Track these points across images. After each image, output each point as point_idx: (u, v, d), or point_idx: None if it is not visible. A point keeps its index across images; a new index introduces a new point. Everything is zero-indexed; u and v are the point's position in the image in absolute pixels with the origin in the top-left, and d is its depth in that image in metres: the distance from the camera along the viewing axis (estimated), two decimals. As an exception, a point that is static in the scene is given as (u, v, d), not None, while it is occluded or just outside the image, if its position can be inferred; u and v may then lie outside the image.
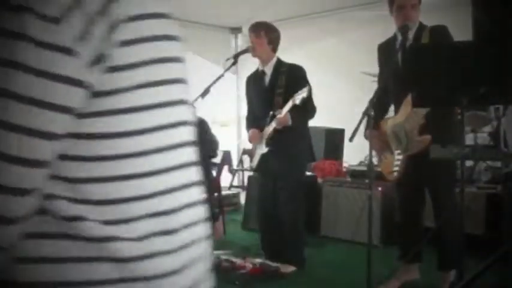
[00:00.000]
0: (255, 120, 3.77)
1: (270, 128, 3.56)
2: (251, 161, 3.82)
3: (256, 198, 4.17)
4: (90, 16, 0.55)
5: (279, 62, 3.70)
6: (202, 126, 4.47)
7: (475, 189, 4.14)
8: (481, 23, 3.75)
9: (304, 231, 3.76)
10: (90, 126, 0.58)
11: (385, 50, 3.22)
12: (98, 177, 0.59)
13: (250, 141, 3.81)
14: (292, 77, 3.56)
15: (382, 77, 3.21)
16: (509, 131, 4.29)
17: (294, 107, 3.38)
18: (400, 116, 3.07)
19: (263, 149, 3.63)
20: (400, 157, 3.06)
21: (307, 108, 3.54)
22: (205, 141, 4.39)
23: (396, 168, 3.09)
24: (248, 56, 3.71)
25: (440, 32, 2.97)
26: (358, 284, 3.10)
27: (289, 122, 3.46)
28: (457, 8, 4.85)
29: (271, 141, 3.58)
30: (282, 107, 3.46)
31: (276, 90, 3.59)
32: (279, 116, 3.42)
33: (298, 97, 3.33)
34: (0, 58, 0.53)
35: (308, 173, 5.32)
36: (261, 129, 3.67)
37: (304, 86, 3.47)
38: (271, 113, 3.57)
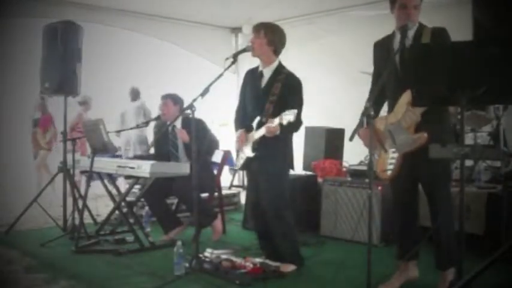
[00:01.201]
0: (245, 117, 3.76)
1: (257, 134, 3.56)
2: (237, 159, 3.82)
3: (248, 198, 4.17)
4: None
5: (280, 67, 3.65)
6: (200, 126, 4.47)
7: (475, 189, 4.14)
8: (481, 23, 3.76)
9: (296, 230, 3.74)
10: None
11: (382, 48, 3.21)
12: None
13: (237, 142, 3.81)
14: (288, 88, 3.54)
15: (378, 75, 3.20)
16: (509, 130, 4.29)
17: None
18: (396, 114, 3.07)
19: (249, 153, 3.64)
20: (395, 155, 3.06)
21: (295, 123, 3.50)
22: (204, 140, 4.40)
23: (390, 167, 3.09)
24: (248, 55, 3.69)
25: (440, 33, 2.97)
26: (358, 283, 3.10)
27: (278, 132, 3.43)
28: (457, 7, 4.86)
29: (257, 146, 3.59)
30: (271, 115, 3.47)
31: (269, 97, 3.58)
32: (270, 124, 3.40)
33: (286, 117, 3.32)
34: None
35: (308, 173, 5.34)
36: (248, 129, 3.68)
37: (296, 100, 3.50)
38: (258, 118, 3.58)
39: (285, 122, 3.33)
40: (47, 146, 7.47)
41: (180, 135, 4.70)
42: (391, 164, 3.08)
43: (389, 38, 3.16)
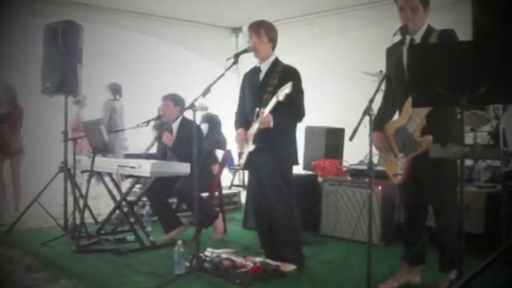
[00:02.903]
0: (245, 116, 3.79)
1: (254, 127, 3.59)
2: (239, 159, 3.83)
3: (249, 197, 4.18)
4: None
5: (276, 61, 3.71)
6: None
7: (474, 189, 4.15)
8: (481, 23, 3.76)
9: (301, 229, 3.76)
10: None
11: (391, 53, 3.20)
12: None
13: (236, 141, 3.83)
14: (285, 78, 3.55)
15: (389, 80, 3.20)
16: (509, 130, 4.30)
17: (278, 108, 3.41)
18: (403, 118, 3.07)
19: (250, 147, 3.65)
20: (404, 160, 3.07)
21: (293, 110, 3.53)
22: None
23: (401, 171, 3.08)
24: (249, 55, 3.73)
25: (448, 35, 2.95)
26: (358, 282, 3.11)
27: (271, 124, 3.46)
28: (457, 7, 4.87)
29: (258, 138, 3.60)
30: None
31: (267, 88, 3.61)
32: (261, 116, 3.45)
33: (281, 93, 3.34)
34: None
35: (308, 172, 5.35)
36: (248, 127, 3.70)
37: (294, 89, 3.48)
38: (257, 109, 3.59)
39: (281, 98, 3.34)
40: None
41: (164, 139, 4.75)
42: (401, 168, 3.07)
43: (399, 43, 3.12)
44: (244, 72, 3.93)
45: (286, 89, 3.32)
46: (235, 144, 3.89)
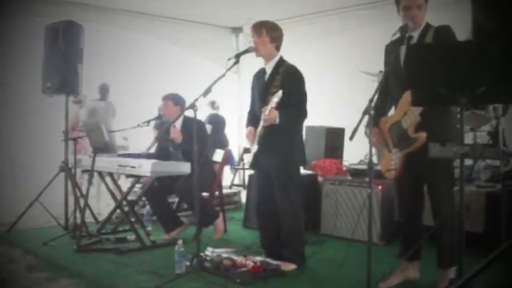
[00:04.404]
0: (255, 116, 3.81)
1: (260, 125, 3.62)
2: (241, 156, 3.88)
3: (254, 197, 4.19)
4: None
5: (280, 62, 3.72)
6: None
7: (474, 188, 4.16)
8: (481, 23, 3.77)
9: (304, 229, 3.77)
10: None
11: (390, 51, 3.22)
12: None
13: (247, 139, 3.85)
14: (287, 79, 3.59)
15: (386, 77, 3.22)
16: (508, 129, 4.31)
17: (281, 108, 3.45)
18: (397, 114, 3.09)
19: (255, 147, 3.68)
20: (398, 155, 3.08)
21: (295, 109, 3.58)
22: (203, 142, 4.40)
23: (394, 166, 3.11)
24: (250, 55, 3.74)
25: (444, 32, 2.98)
26: (358, 281, 3.12)
27: (277, 121, 3.50)
28: (458, 5, 4.88)
29: (262, 140, 3.63)
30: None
31: (271, 89, 3.63)
32: (264, 114, 3.50)
33: (274, 100, 3.43)
34: None
35: (308, 172, 5.36)
36: (257, 127, 3.73)
37: (297, 90, 3.56)
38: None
39: (274, 105, 3.43)
40: None
41: (172, 135, 4.70)
42: (394, 163, 3.09)
43: (398, 41, 3.13)
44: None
45: (277, 97, 3.42)
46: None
